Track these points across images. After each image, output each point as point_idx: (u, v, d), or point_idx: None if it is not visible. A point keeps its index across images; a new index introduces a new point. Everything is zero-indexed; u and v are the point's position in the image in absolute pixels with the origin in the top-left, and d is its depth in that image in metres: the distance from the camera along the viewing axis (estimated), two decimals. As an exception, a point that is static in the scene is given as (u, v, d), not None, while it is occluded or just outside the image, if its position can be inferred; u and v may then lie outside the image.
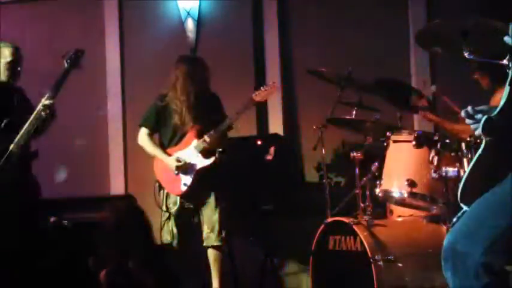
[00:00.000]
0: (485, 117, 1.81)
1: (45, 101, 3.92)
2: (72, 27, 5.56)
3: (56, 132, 5.36)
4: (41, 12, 5.59)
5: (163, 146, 4.44)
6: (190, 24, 5.51)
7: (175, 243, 4.33)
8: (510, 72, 1.81)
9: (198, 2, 5.50)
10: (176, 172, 4.31)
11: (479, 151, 1.90)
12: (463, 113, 1.94)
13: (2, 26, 5.38)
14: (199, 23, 5.52)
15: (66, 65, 4.04)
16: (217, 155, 4.31)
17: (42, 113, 3.92)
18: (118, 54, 5.54)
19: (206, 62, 4.49)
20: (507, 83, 1.81)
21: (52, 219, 4.58)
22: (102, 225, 3.19)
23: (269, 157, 4.16)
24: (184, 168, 4.31)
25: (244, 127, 5.30)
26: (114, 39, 5.55)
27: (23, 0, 5.63)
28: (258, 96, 4.39)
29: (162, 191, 4.42)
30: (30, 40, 5.50)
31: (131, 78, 5.44)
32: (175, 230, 4.34)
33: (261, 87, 4.42)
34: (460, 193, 1.93)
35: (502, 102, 1.80)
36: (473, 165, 1.90)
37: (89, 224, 4.56)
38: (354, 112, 4.08)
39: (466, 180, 1.92)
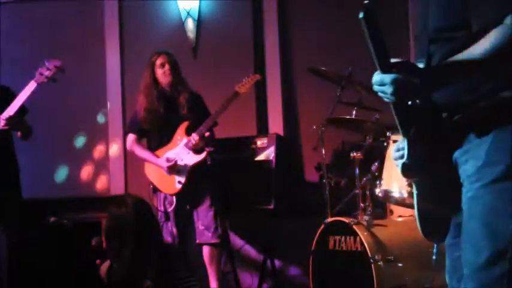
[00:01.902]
0: (401, 162, 1.81)
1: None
2: (72, 27, 5.56)
3: (56, 132, 5.39)
4: (41, 12, 5.58)
5: (153, 148, 4.45)
6: (190, 24, 5.51)
7: (176, 243, 4.33)
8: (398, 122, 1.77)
9: (198, 2, 5.50)
10: (169, 172, 4.31)
11: (414, 190, 1.89)
12: (393, 154, 1.91)
13: (2, 26, 5.38)
14: (199, 23, 5.51)
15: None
16: (206, 154, 4.32)
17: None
18: (118, 54, 5.53)
19: (172, 60, 4.46)
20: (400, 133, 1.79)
21: (52, 219, 4.58)
22: (121, 221, 3.16)
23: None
24: (176, 167, 4.30)
25: (244, 127, 5.31)
26: (114, 39, 5.54)
27: (23, 0, 5.63)
28: (241, 88, 4.41)
29: (157, 193, 4.42)
30: (30, 40, 5.50)
31: (131, 78, 5.43)
32: (175, 231, 4.34)
33: (243, 79, 4.45)
34: (422, 230, 1.91)
35: (405, 152, 1.79)
36: (417, 203, 1.88)
37: (89, 224, 4.57)
38: (354, 112, 4.08)
39: (419, 219, 1.90)
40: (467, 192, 1.71)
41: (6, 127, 3.93)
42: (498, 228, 1.64)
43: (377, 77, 1.69)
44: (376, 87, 1.71)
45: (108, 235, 3.20)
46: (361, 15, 1.55)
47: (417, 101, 1.70)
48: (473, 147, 1.70)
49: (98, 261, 3.31)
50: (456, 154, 1.74)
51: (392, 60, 1.67)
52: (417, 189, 1.87)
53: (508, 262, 1.62)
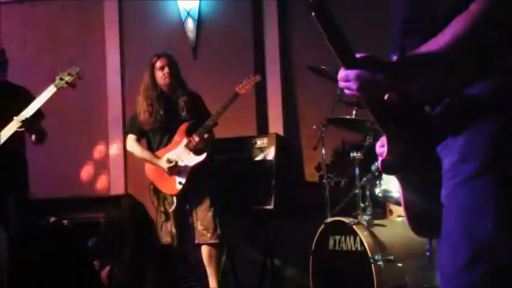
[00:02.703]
0: (380, 160, 1.72)
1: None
2: (72, 27, 5.56)
3: (56, 131, 5.39)
4: (41, 12, 5.58)
5: (153, 149, 4.46)
6: (190, 24, 5.51)
7: (175, 243, 4.33)
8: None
9: (198, 2, 5.50)
10: (169, 173, 4.32)
11: (399, 186, 1.81)
12: (377, 150, 1.83)
13: (2, 26, 5.38)
14: (199, 23, 5.52)
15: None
16: (206, 155, 4.33)
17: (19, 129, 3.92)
18: (118, 54, 5.54)
19: (172, 62, 4.45)
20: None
21: (52, 219, 4.58)
22: (118, 223, 3.16)
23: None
24: (177, 168, 4.31)
25: (244, 127, 5.31)
26: (114, 39, 5.55)
27: (23, 0, 5.63)
28: (242, 89, 4.43)
29: (157, 193, 4.42)
30: (30, 40, 5.50)
31: (131, 78, 5.44)
32: (174, 231, 4.35)
33: (243, 80, 4.46)
34: (410, 227, 1.83)
35: (386, 148, 1.71)
36: (403, 199, 1.80)
37: (89, 224, 4.56)
38: (354, 112, 4.07)
39: (407, 216, 1.81)
40: (444, 189, 1.63)
41: (22, 129, 3.90)
42: (476, 227, 1.55)
43: (342, 73, 1.62)
44: (341, 84, 1.64)
45: (106, 237, 3.19)
46: (312, 13, 1.50)
47: (394, 96, 1.62)
48: (450, 141, 1.62)
49: (95, 263, 3.31)
50: (438, 149, 1.67)
51: (357, 55, 1.61)
52: (401, 186, 1.79)
53: (488, 263, 1.53)
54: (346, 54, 1.59)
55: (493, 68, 1.59)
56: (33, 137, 4.07)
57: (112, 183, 5.48)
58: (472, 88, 1.59)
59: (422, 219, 1.79)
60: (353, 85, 1.61)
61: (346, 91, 1.64)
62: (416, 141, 1.69)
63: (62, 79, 4.00)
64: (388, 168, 1.73)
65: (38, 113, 4.00)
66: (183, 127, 4.40)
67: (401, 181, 1.79)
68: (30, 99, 4.02)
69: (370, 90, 1.61)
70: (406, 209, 1.80)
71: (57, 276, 4.25)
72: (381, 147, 1.79)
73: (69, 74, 4.02)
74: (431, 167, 1.68)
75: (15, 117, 3.89)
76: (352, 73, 1.60)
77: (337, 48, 1.58)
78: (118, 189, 5.44)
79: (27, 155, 4.21)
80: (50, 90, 3.96)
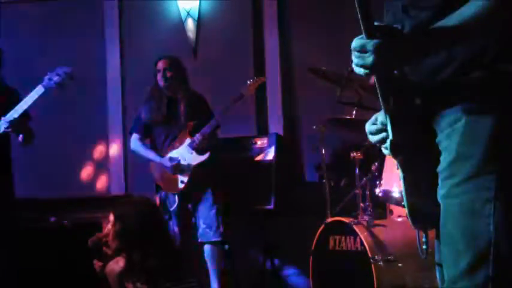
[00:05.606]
0: (389, 140, 1.65)
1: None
2: (72, 27, 5.56)
3: (56, 131, 5.39)
4: (41, 12, 5.58)
5: (158, 149, 4.48)
6: (190, 24, 5.51)
7: (177, 242, 4.34)
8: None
9: (198, 2, 5.50)
10: (172, 172, 4.34)
11: (400, 172, 1.72)
12: (367, 128, 1.76)
13: (2, 26, 5.38)
14: (199, 23, 5.52)
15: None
16: (209, 154, 4.35)
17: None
18: (118, 54, 5.54)
19: (171, 65, 4.45)
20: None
21: (52, 219, 4.58)
22: (123, 221, 3.15)
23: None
24: (180, 167, 4.33)
25: (244, 127, 5.31)
26: (114, 39, 5.55)
27: (23, 0, 5.63)
28: (246, 90, 4.45)
29: (160, 192, 4.44)
30: (30, 40, 5.50)
31: (131, 78, 5.44)
32: (176, 230, 4.37)
33: (248, 81, 4.48)
34: (410, 218, 1.76)
35: (389, 128, 1.64)
36: (404, 187, 1.72)
37: (89, 224, 4.56)
38: (354, 112, 4.07)
39: (407, 205, 1.74)
40: (441, 188, 1.56)
41: (9, 129, 3.84)
42: (476, 230, 1.49)
43: (358, 42, 1.48)
44: (355, 53, 1.50)
45: (120, 237, 3.17)
46: None
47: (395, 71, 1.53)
48: (444, 137, 1.55)
49: (95, 262, 3.31)
50: (437, 140, 1.59)
51: (376, 23, 1.47)
52: (402, 172, 1.71)
53: (492, 265, 1.48)
54: (369, 21, 1.45)
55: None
56: (21, 137, 3.98)
57: (112, 183, 5.48)
58: (470, 73, 1.52)
59: (421, 211, 1.73)
60: (368, 57, 1.47)
61: (357, 66, 1.51)
62: (415, 124, 1.62)
63: (50, 79, 3.92)
64: (396, 148, 1.65)
65: (25, 114, 3.92)
66: (187, 127, 4.42)
67: (402, 166, 1.71)
68: (17, 99, 3.94)
69: (385, 64, 1.49)
70: (406, 199, 1.74)
71: (57, 276, 4.25)
72: (372, 124, 1.76)
73: (57, 74, 3.93)
74: (431, 154, 1.61)
75: (2, 118, 3.83)
76: (371, 43, 1.46)
77: (363, 12, 1.43)
78: (118, 189, 5.44)
79: (12, 155, 4.14)
80: (38, 91, 3.88)
